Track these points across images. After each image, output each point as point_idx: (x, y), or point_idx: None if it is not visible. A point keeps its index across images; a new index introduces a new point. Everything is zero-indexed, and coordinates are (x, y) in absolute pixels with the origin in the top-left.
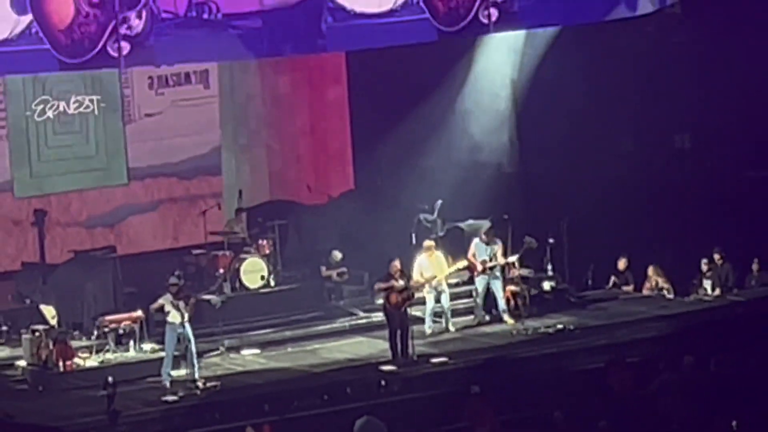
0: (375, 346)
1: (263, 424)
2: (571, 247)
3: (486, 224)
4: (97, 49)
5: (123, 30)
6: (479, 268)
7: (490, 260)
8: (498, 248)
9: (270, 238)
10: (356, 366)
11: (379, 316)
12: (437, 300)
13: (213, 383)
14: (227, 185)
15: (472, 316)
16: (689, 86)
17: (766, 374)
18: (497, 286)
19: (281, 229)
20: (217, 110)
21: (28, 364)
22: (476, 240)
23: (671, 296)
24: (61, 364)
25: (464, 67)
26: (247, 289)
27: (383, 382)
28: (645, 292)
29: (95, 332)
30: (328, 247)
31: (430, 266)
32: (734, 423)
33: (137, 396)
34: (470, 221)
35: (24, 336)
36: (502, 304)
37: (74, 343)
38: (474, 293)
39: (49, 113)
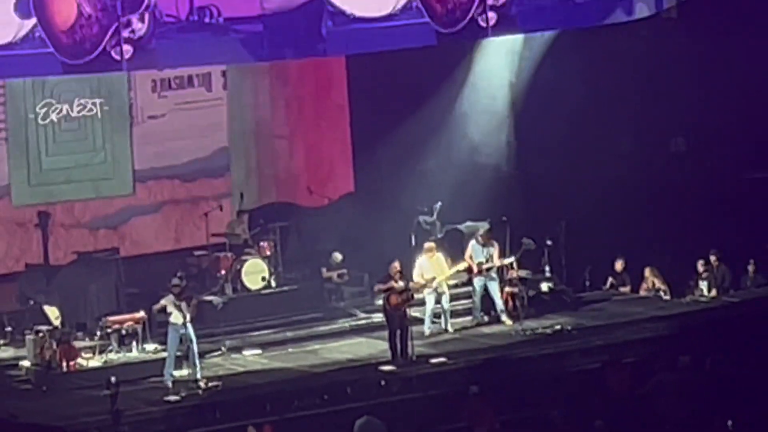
0: (375, 346)
1: (264, 424)
2: (569, 249)
3: (484, 226)
4: (98, 51)
5: (126, 33)
6: (475, 269)
7: (487, 262)
8: (494, 250)
9: (271, 239)
10: (356, 366)
11: (379, 317)
12: (437, 301)
13: (215, 383)
14: (235, 186)
15: (470, 317)
16: (686, 88)
17: (762, 374)
18: (494, 288)
19: (282, 230)
20: (225, 113)
21: (32, 365)
22: (473, 242)
23: (668, 297)
24: (64, 364)
25: (463, 70)
26: (248, 290)
27: (383, 383)
28: (642, 293)
29: (98, 333)
30: (328, 249)
31: (431, 268)
32: (730, 422)
33: (140, 396)
34: (469, 223)
35: (28, 336)
36: (499, 304)
37: (77, 344)
38: (472, 294)
39: (53, 116)
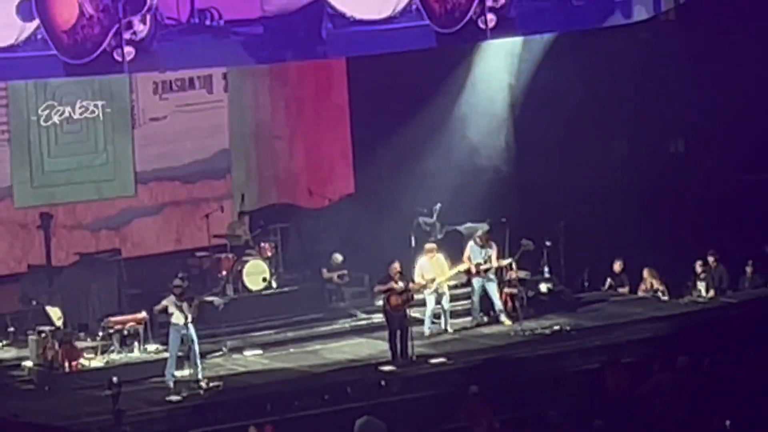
0: (375, 346)
1: (265, 424)
2: (568, 250)
3: (484, 227)
4: (99, 52)
5: (127, 35)
6: (473, 270)
7: (485, 263)
8: (493, 251)
9: (272, 240)
10: (356, 366)
11: (379, 318)
12: (438, 302)
13: (216, 383)
14: (236, 188)
15: (470, 318)
16: (684, 90)
17: (759, 374)
18: (492, 288)
19: (283, 232)
20: (226, 115)
21: (35, 365)
22: (471, 243)
23: (666, 298)
24: (66, 364)
25: (463, 72)
26: (249, 290)
27: (383, 382)
28: (640, 293)
29: (100, 333)
30: (328, 250)
31: (431, 269)
32: (728, 422)
33: (142, 396)
34: (468, 224)
35: (30, 337)
36: (498, 305)
37: (80, 344)
38: (471, 295)
39: (55, 118)
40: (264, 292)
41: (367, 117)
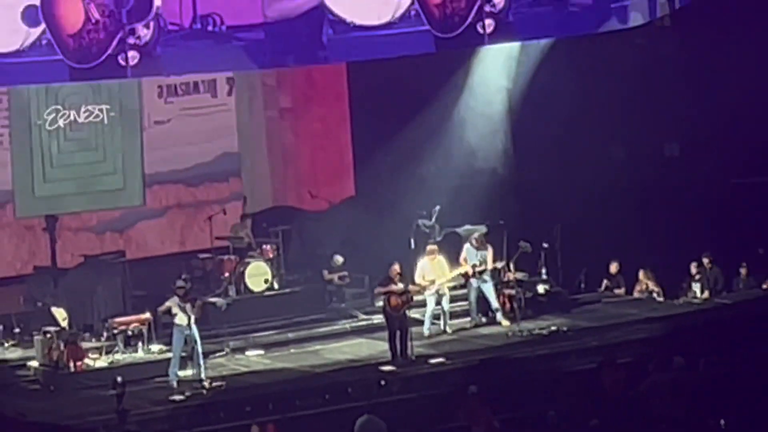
0: (375, 347)
1: (267, 423)
2: (565, 251)
3: (481, 230)
4: (104, 56)
5: (132, 40)
6: (469, 272)
7: (480, 264)
8: (488, 253)
9: (274, 243)
10: (357, 366)
11: (379, 318)
12: (438, 303)
13: (218, 383)
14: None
15: (468, 319)
16: (679, 95)
17: (753, 374)
18: (488, 289)
19: (285, 234)
20: (229, 118)
21: (40, 365)
22: (467, 245)
23: (661, 299)
24: (71, 364)
25: (461, 76)
26: (251, 292)
27: (383, 382)
28: (636, 294)
29: (105, 334)
30: (329, 252)
31: (432, 270)
32: (722, 422)
33: (145, 395)
34: (467, 226)
35: (36, 337)
36: (494, 304)
37: (84, 345)
38: (468, 297)
39: (60, 122)
40: (266, 294)
41: (367, 121)
